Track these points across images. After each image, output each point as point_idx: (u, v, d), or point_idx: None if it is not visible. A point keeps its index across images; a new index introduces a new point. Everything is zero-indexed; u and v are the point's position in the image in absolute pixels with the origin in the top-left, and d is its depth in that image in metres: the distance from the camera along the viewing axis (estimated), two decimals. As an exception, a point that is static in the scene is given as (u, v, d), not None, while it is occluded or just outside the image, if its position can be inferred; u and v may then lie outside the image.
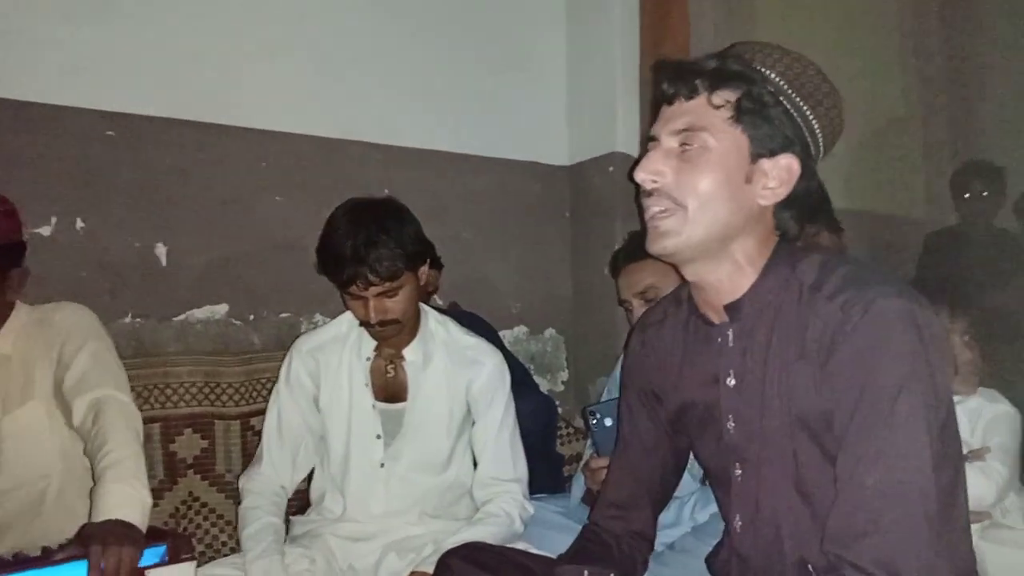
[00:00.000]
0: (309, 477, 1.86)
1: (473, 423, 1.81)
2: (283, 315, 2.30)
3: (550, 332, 2.84)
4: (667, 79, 1.13)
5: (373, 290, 1.62)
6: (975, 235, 3.15)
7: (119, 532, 1.23)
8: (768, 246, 1.14)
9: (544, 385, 2.78)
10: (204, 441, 2.05)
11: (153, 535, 1.32)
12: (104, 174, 2.07)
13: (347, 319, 1.80)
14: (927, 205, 3.79)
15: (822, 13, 3.30)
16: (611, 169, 2.73)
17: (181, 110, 2.16)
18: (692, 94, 1.11)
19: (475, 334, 1.86)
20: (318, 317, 2.33)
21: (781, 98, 1.09)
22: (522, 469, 1.80)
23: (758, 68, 1.10)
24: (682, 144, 1.10)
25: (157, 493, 1.98)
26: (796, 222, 1.14)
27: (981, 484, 1.63)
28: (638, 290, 1.81)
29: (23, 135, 1.97)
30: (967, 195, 3.15)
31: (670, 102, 1.13)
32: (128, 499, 1.30)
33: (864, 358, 1.00)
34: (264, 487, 1.75)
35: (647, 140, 1.16)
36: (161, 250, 2.14)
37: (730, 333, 1.15)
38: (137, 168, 2.11)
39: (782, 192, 1.11)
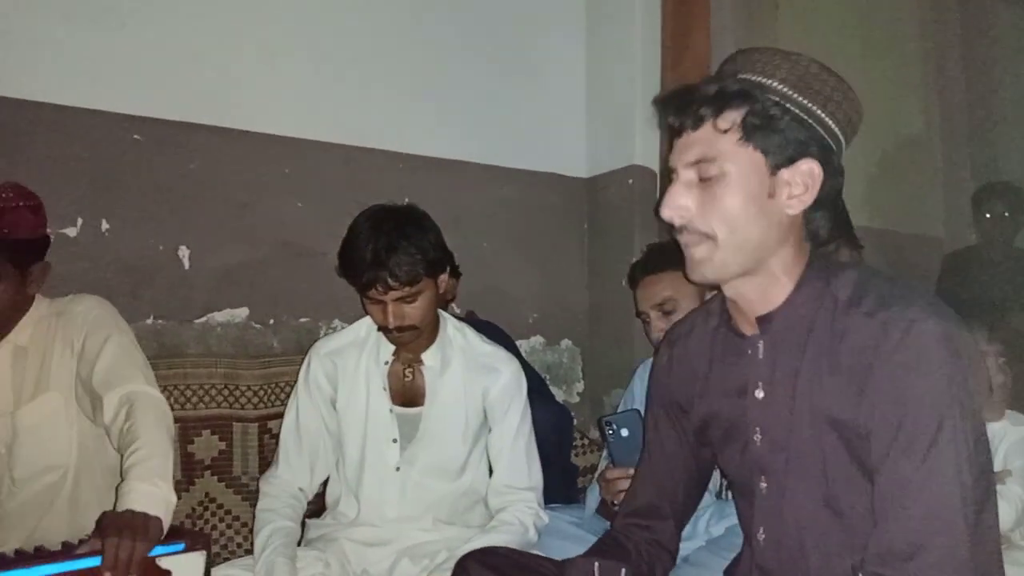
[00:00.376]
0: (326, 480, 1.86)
1: (489, 430, 1.82)
2: (302, 319, 2.32)
3: (566, 343, 2.85)
4: (671, 111, 1.12)
5: (392, 295, 1.63)
6: (995, 255, 3.14)
7: (136, 524, 1.24)
8: (802, 255, 1.14)
9: (559, 396, 2.78)
10: (222, 443, 2.06)
11: (172, 533, 1.34)
12: (130, 177, 2.10)
13: (366, 323, 1.81)
14: (947, 225, 3.78)
15: (844, 28, 3.31)
16: (630, 182, 2.74)
17: (206, 115, 2.20)
18: (698, 123, 1.10)
19: (493, 342, 1.87)
20: (336, 322, 2.34)
21: (788, 104, 1.08)
22: (537, 477, 1.80)
23: (759, 79, 1.09)
24: (700, 174, 1.10)
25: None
26: (826, 223, 1.13)
27: (1000, 507, 1.61)
28: (656, 302, 1.81)
29: (52, 137, 2.00)
30: (987, 215, 3.14)
31: (679, 134, 1.13)
32: (151, 497, 1.31)
33: (904, 381, 1.00)
34: (280, 490, 1.76)
35: (668, 172, 1.16)
36: (184, 252, 2.16)
37: (760, 345, 1.15)
38: (162, 171, 2.14)
39: (808, 198, 1.10)
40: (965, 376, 1.00)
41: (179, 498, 1.94)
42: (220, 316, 2.20)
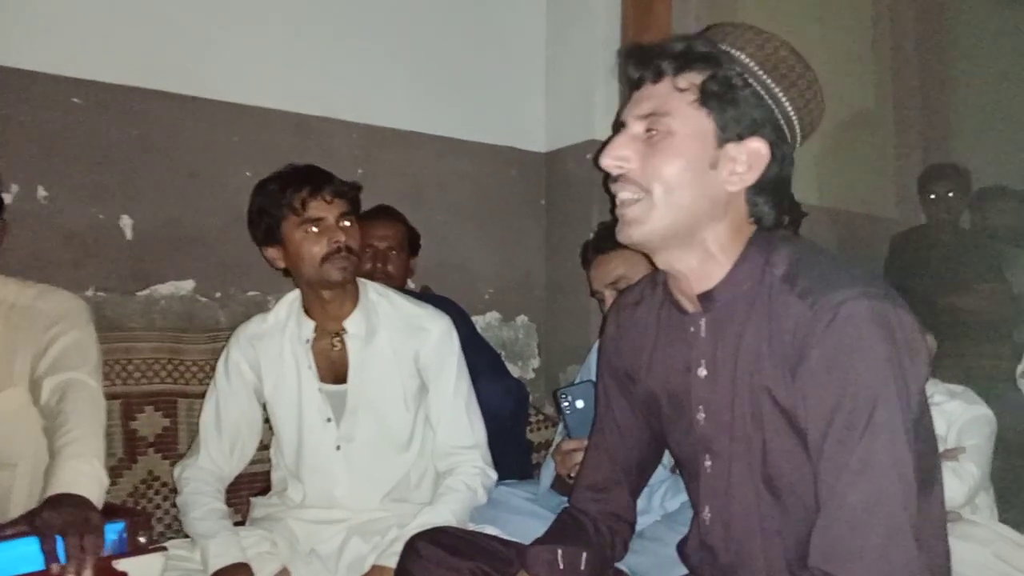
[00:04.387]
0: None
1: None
2: (251, 293, 2.26)
3: (522, 319, 2.83)
4: (633, 62, 1.10)
5: (338, 204, 1.66)
6: (941, 235, 3.20)
7: (79, 520, 1.18)
8: (742, 235, 1.11)
9: (515, 372, 2.76)
10: (166, 419, 2.01)
11: (112, 512, 1.29)
12: (68, 142, 2.01)
13: (285, 305, 1.79)
14: (897, 204, 3.85)
15: (802, 7, 3.33)
16: (588, 157, 2.71)
17: (151, 79, 2.11)
18: (657, 77, 1.08)
19: (420, 302, 1.84)
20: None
21: (751, 80, 1.06)
22: (481, 434, 1.78)
23: (728, 49, 1.07)
24: (648, 129, 1.08)
25: (116, 471, 1.94)
26: (771, 208, 1.10)
27: (953, 485, 1.63)
28: (609, 281, 1.80)
29: (-16, 99, 1.91)
30: (932, 196, 3.20)
31: (637, 86, 1.11)
32: (84, 476, 1.27)
33: (836, 366, 0.98)
34: (205, 476, 1.73)
35: (617, 126, 1.14)
36: (126, 222, 2.08)
37: (703, 323, 1.13)
38: (103, 137, 2.05)
39: (750, 177, 1.07)
40: (899, 357, 0.97)
41: (121, 476, 1.93)
42: (165, 288, 2.13)
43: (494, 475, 1.76)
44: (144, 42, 2.10)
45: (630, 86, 1.13)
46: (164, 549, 1.29)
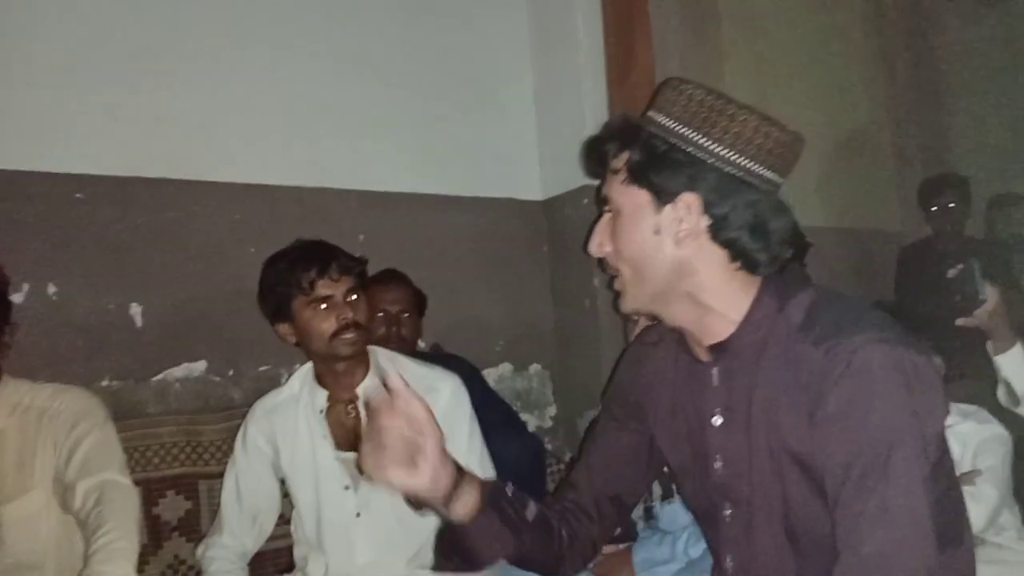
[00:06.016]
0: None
1: None
2: (262, 368, 2.28)
3: (535, 368, 2.83)
4: (586, 159, 1.18)
5: (344, 282, 1.68)
6: (947, 246, 3.19)
7: None
8: (744, 284, 1.11)
9: (532, 422, 2.76)
10: (188, 502, 2.01)
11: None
12: (74, 237, 2.05)
13: (299, 377, 1.82)
14: (902, 218, 3.84)
15: (788, 37, 3.35)
16: (585, 201, 2.74)
17: (149, 168, 2.15)
18: (601, 167, 1.15)
19: (428, 364, 1.85)
20: (297, 367, 2.28)
21: (672, 139, 1.07)
22: None
23: (652, 115, 1.11)
24: (608, 212, 1.15)
25: (142, 559, 1.89)
26: (757, 248, 1.09)
27: (971, 509, 1.60)
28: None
29: (-10, 202, 1.95)
30: (934, 207, 3.19)
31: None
32: None
33: (852, 413, 0.98)
34: (228, 554, 1.75)
35: None
36: (136, 310, 2.12)
37: (714, 372, 1.14)
38: (107, 229, 2.10)
39: (695, 231, 1.08)
40: (914, 402, 0.97)
41: (147, 563, 1.93)
42: (178, 371, 2.15)
43: None
44: (139, 133, 2.14)
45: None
46: None
